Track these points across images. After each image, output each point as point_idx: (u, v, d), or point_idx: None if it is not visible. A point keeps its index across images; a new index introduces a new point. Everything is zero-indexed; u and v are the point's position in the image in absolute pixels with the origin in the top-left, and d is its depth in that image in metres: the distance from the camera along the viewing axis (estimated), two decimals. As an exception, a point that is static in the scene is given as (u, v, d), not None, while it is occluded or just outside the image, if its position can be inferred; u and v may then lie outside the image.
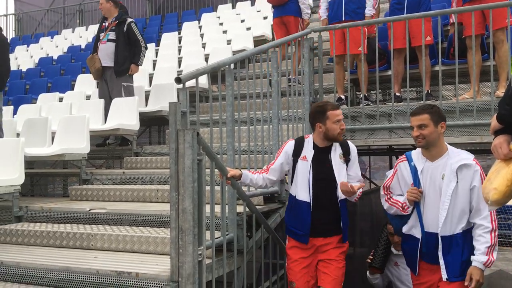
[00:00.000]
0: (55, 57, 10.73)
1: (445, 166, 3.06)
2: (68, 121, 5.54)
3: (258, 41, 8.33)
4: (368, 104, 5.26)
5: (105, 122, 5.98)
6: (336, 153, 3.40)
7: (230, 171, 3.20)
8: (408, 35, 4.94)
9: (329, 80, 5.90)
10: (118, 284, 3.06)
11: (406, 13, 5.17)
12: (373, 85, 5.04)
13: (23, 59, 11.17)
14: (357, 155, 3.48)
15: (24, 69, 10.11)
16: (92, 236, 3.74)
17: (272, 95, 4.14)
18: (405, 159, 3.23)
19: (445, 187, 3.02)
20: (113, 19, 6.30)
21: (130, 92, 6.27)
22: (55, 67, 9.85)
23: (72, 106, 6.57)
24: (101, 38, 6.29)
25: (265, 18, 9.72)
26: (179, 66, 8.05)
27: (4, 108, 5.42)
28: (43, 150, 5.14)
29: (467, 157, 3.05)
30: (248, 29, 9.25)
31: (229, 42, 8.71)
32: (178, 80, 2.95)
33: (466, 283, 2.96)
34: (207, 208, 3.00)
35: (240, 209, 3.46)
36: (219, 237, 3.20)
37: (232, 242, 3.33)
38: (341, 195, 3.32)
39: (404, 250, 3.35)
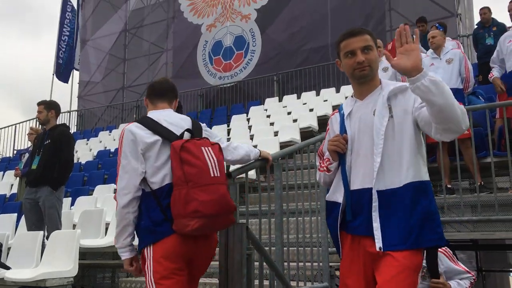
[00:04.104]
0: (112, 150, 11.26)
1: (377, 99, 2.25)
2: (122, 212, 5.73)
3: (304, 132, 8.50)
4: None
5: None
6: None
7: None
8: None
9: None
10: None
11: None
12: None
13: (83, 152, 11.81)
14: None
15: (83, 162, 10.67)
16: (139, 331, 3.71)
17: (320, 186, 4.15)
18: (337, 110, 2.46)
19: (378, 124, 2.19)
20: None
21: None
22: (112, 160, 10.29)
23: (126, 197, 6.80)
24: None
25: (311, 110, 9.98)
26: (228, 157, 8.25)
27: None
28: (97, 242, 5.30)
29: (404, 84, 2.22)
30: (295, 121, 9.45)
31: (276, 133, 8.90)
32: (228, 175, 3.05)
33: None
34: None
35: (289, 305, 3.36)
36: (268, 336, 3.09)
37: None
38: None
39: (329, 227, 2.36)
